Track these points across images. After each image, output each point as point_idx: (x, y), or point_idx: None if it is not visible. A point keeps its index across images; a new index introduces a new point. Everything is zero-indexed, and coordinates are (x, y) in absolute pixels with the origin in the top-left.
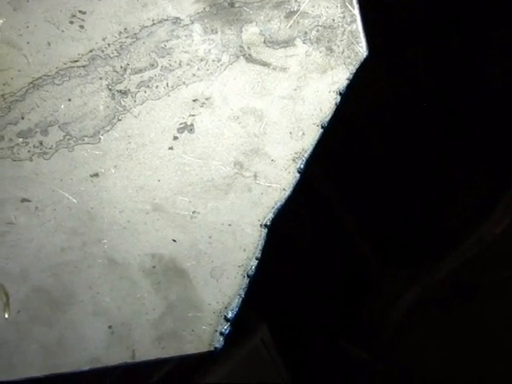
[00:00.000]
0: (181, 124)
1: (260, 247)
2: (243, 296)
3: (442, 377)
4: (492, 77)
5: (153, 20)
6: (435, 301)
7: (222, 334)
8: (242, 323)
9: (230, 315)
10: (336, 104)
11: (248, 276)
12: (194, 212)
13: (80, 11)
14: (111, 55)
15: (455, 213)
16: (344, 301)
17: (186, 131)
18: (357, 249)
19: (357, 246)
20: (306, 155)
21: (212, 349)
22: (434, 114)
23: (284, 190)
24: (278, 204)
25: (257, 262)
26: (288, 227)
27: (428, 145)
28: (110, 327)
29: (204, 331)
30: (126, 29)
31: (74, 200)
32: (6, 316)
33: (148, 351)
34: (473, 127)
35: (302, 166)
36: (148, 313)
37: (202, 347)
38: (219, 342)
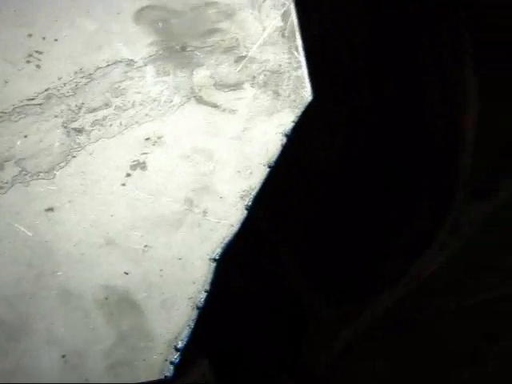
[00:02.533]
0: (133, 161)
1: (209, 280)
2: (192, 327)
3: None
4: (432, 117)
5: (107, 61)
6: (371, 337)
7: (172, 363)
8: (183, 359)
9: (179, 345)
10: (282, 145)
11: (197, 308)
12: (145, 246)
13: (37, 51)
14: (67, 94)
15: (392, 251)
16: (284, 338)
17: (138, 168)
18: (296, 287)
19: (296, 284)
20: (254, 193)
21: (163, 377)
22: (376, 156)
23: (232, 225)
24: (227, 239)
25: (206, 294)
26: (228, 263)
27: (368, 186)
28: (63, 356)
29: (155, 360)
30: (81, 69)
31: (30, 233)
32: None
33: (100, 379)
34: (412, 168)
35: (249, 204)
36: (101, 342)
37: (154, 375)
38: (169, 370)
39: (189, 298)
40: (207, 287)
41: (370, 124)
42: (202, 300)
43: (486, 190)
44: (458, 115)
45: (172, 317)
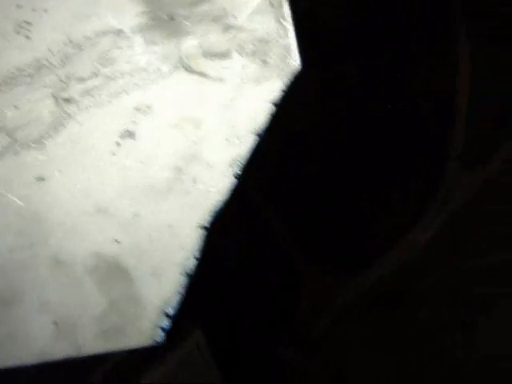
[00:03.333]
0: (123, 130)
1: (198, 247)
2: (182, 293)
3: (370, 378)
4: (422, 95)
5: (96, 31)
6: (364, 306)
7: (162, 329)
8: (176, 328)
9: (169, 311)
10: (270, 113)
11: (187, 274)
12: (135, 214)
13: (26, 22)
14: (56, 64)
15: (385, 219)
16: (275, 304)
17: (127, 137)
18: (287, 253)
19: (287, 250)
20: (242, 161)
21: (153, 343)
22: (365, 125)
23: (221, 193)
24: (216, 207)
25: (195, 260)
26: (217, 231)
27: (359, 152)
28: (55, 323)
29: (146, 326)
30: (70, 39)
31: (21, 203)
32: None
33: (92, 345)
34: (403, 139)
35: (238, 171)
36: (92, 309)
37: (144, 341)
38: (160, 336)
39: (178, 265)
40: (196, 254)
41: (359, 93)
42: (192, 267)
43: (479, 159)
44: (450, 85)
45: (162, 283)
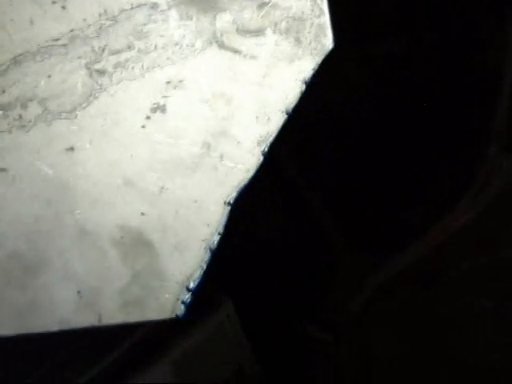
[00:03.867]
0: (154, 104)
1: (223, 223)
2: (205, 268)
3: (401, 362)
4: (465, 75)
5: (132, 4)
6: (398, 287)
7: (183, 302)
8: (207, 299)
9: (191, 286)
10: (301, 92)
11: (210, 250)
12: (162, 187)
13: None
14: (91, 36)
15: (422, 201)
16: (309, 282)
17: (158, 111)
18: (323, 232)
19: (323, 229)
20: (271, 139)
21: (174, 316)
22: (406, 106)
23: (248, 171)
24: (242, 184)
25: (219, 237)
26: (256, 208)
27: (396, 133)
28: (78, 292)
29: (167, 300)
30: (105, 11)
31: (50, 172)
32: None
33: (113, 316)
34: (445, 119)
35: (266, 149)
36: (115, 280)
37: (165, 314)
38: (181, 310)
39: (202, 240)
40: (221, 230)
41: (396, 72)
42: (215, 242)
43: None
44: (495, 65)
45: (185, 258)
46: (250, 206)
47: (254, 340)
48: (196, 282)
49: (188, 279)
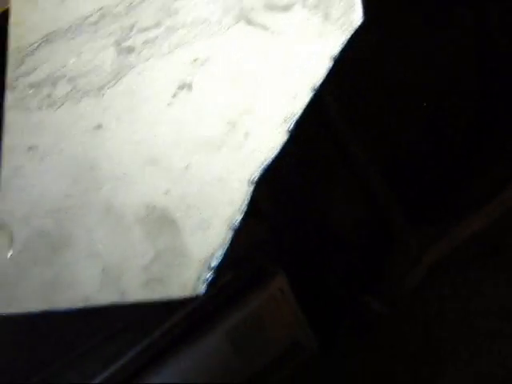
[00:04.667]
0: (181, 82)
1: (246, 202)
2: (227, 247)
3: (459, 336)
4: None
5: None
6: (457, 260)
7: (205, 281)
8: (259, 272)
9: (213, 264)
10: (328, 69)
11: (232, 229)
12: (186, 166)
13: None
14: (120, 13)
15: (481, 176)
16: (366, 254)
17: (185, 89)
18: (381, 204)
19: (382, 200)
20: (297, 117)
21: (195, 294)
22: (465, 76)
23: (273, 149)
24: (266, 163)
25: (241, 216)
26: (311, 181)
27: (458, 107)
28: (102, 269)
29: (189, 278)
30: None
31: (78, 150)
32: (9, 255)
33: (136, 293)
34: (506, 94)
35: (291, 127)
36: (138, 258)
37: (187, 292)
38: (202, 288)
39: (225, 220)
40: (244, 209)
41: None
42: (238, 222)
43: None
44: None
45: (207, 237)
46: (305, 180)
47: (310, 313)
48: (218, 261)
49: (210, 258)
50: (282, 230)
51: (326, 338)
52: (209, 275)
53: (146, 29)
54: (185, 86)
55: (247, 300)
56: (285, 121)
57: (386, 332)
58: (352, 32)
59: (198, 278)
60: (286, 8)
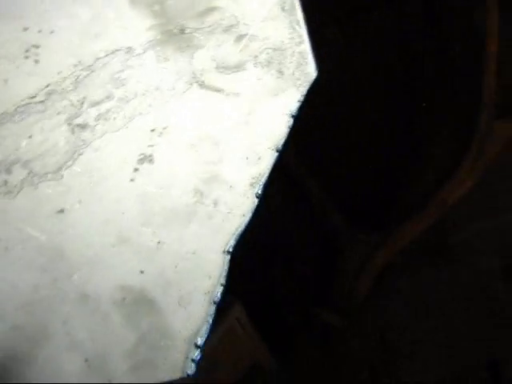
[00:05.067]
0: (140, 155)
1: (224, 273)
2: (211, 322)
3: (414, 337)
4: (453, 41)
5: (106, 51)
6: (404, 263)
7: (193, 360)
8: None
9: (199, 342)
10: (289, 127)
11: (214, 302)
12: (158, 242)
13: (34, 45)
14: (68, 89)
15: (419, 177)
16: (316, 269)
17: (145, 162)
18: (325, 217)
19: (325, 214)
20: (263, 179)
21: (185, 375)
22: (396, 75)
23: (244, 215)
24: (239, 230)
25: (222, 288)
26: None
27: (390, 108)
28: (86, 360)
29: (176, 359)
30: (80, 61)
31: (42, 237)
32: None
33: (124, 380)
34: (434, 87)
35: (259, 192)
36: (121, 344)
37: (176, 374)
38: (191, 368)
39: (205, 293)
40: (223, 281)
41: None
42: (219, 294)
43: (509, 108)
44: (479, 31)
45: (190, 313)
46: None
47: (267, 335)
48: (203, 338)
49: (195, 335)
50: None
51: (284, 356)
52: (196, 354)
53: (97, 103)
54: (145, 159)
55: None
56: (252, 185)
57: (343, 343)
58: (308, 86)
59: (186, 358)
60: (238, 68)
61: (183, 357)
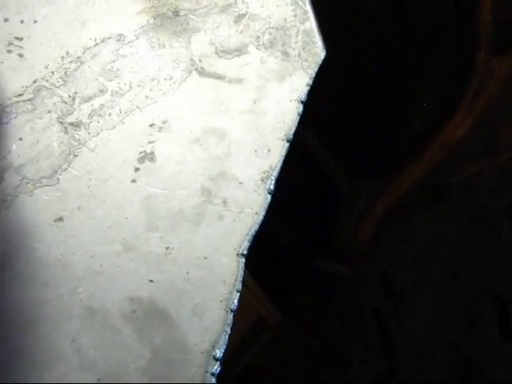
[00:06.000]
0: (140, 153)
1: (240, 278)
2: (229, 331)
3: (419, 278)
4: None
5: (95, 39)
6: (405, 208)
7: (212, 374)
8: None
9: (218, 354)
10: (298, 114)
11: (231, 310)
12: (167, 248)
13: (17, 38)
14: (57, 84)
15: (417, 119)
16: (318, 220)
17: (146, 160)
18: (323, 168)
19: (323, 165)
20: (275, 173)
21: None
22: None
23: (256, 214)
24: (252, 230)
25: (238, 294)
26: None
27: (383, 54)
28: (98, 379)
29: (195, 373)
30: (68, 53)
31: (42, 249)
32: None
33: None
34: (428, 31)
35: (271, 187)
36: (135, 360)
37: None
38: (211, 382)
39: (221, 301)
40: (239, 286)
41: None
42: (235, 301)
43: (507, 44)
44: None
45: (206, 324)
46: None
47: (271, 289)
48: (222, 349)
49: (213, 347)
50: None
51: (289, 310)
52: (216, 367)
53: (89, 98)
54: (146, 157)
55: None
56: (263, 180)
57: (346, 290)
58: (316, 68)
59: (205, 372)
60: (240, 51)
61: (202, 371)
